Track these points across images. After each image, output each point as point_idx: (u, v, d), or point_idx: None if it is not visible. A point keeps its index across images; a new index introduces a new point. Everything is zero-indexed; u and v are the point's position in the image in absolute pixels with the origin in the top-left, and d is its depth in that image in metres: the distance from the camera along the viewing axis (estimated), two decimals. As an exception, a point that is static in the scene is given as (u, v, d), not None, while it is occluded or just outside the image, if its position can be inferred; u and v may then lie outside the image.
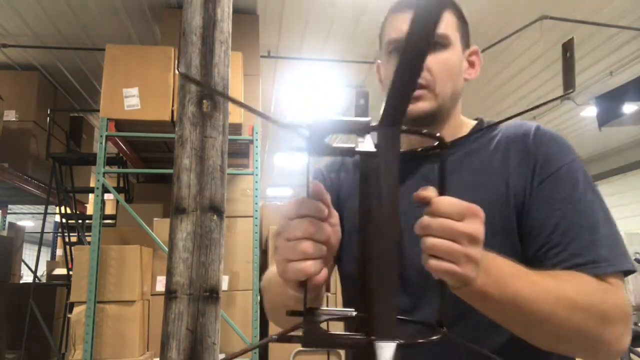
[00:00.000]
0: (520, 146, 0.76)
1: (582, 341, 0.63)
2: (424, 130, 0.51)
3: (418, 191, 0.51)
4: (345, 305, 0.83)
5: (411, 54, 0.35)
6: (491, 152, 0.77)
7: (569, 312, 0.60)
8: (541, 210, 0.70)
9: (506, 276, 0.58)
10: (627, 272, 0.68)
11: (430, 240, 0.50)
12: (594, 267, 0.66)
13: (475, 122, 0.86)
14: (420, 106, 0.76)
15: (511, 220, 0.73)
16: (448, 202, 0.50)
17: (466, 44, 0.83)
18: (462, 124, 0.84)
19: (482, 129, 0.82)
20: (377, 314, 0.41)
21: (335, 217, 0.53)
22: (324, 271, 0.51)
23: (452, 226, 0.50)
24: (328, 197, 0.51)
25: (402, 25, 0.78)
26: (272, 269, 0.76)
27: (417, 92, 0.76)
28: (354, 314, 0.50)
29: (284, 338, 0.46)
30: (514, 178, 0.74)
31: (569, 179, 0.72)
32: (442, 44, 0.77)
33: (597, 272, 0.65)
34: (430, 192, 0.51)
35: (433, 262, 0.50)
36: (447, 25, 0.79)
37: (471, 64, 0.83)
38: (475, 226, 0.51)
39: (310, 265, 0.49)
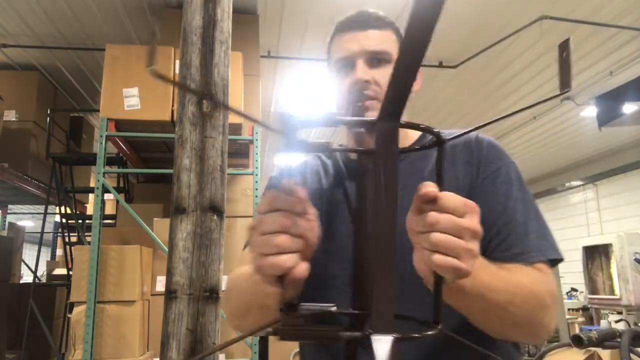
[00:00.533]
0: (464, 149, 0.84)
1: (529, 326, 0.68)
2: (422, 125, 0.51)
3: (420, 187, 0.52)
4: (310, 300, 0.84)
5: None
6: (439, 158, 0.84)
7: (522, 300, 0.66)
8: (484, 204, 0.70)
9: (477, 269, 0.59)
10: (555, 261, 0.76)
11: (437, 236, 0.50)
12: (527, 256, 0.73)
13: (419, 132, 0.91)
14: (371, 116, 0.80)
15: None
16: (454, 198, 0.52)
17: None
18: (406, 132, 0.89)
19: (426, 140, 0.89)
20: (376, 310, 0.41)
21: (312, 213, 0.54)
22: (304, 266, 0.51)
23: (458, 222, 0.51)
24: (303, 193, 0.52)
25: (348, 44, 0.85)
26: (240, 270, 0.77)
27: (367, 103, 0.82)
28: (334, 309, 0.51)
29: (262, 331, 0.46)
30: (462, 175, 0.82)
31: (506, 179, 0.81)
32: (386, 59, 0.84)
33: (529, 261, 0.73)
34: (432, 188, 0.52)
35: (438, 257, 0.50)
36: (389, 42, 0.85)
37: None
38: (476, 222, 0.53)
39: (286, 259, 0.49)
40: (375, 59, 0.84)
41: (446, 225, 0.50)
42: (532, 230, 0.76)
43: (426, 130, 0.51)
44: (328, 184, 0.91)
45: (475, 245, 0.52)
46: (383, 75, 0.83)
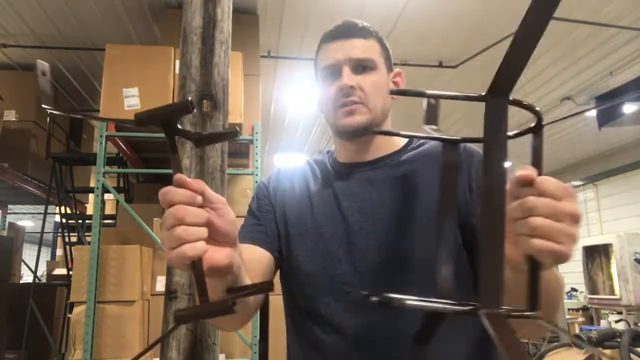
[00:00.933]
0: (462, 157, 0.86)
1: (556, 310, 0.72)
2: (525, 103, 0.54)
3: (519, 172, 0.54)
4: (301, 299, 0.90)
5: (535, 17, 0.34)
6: (425, 162, 0.88)
7: (559, 285, 0.68)
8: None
9: None
10: None
11: (537, 220, 0.51)
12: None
13: (405, 140, 0.95)
14: (357, 119, 0.87)
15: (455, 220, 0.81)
16: (554, 182, 0.52)
17: (390, 67, 0.94)
18: (391, 139, 0.93)
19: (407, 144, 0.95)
20: (484, 285, 0.43)
21: (218, 201, 0.55)
22: (222, 252, 0.54)
23: (558, 206, 0.51)
24: (199, 184, 0.52)
25: (334, 53, 0.89)
26: None
27: (353, 107, 0.86)
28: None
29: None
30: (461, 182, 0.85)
31: None
32: (370, 67, 0.88)
33: None
34: (530, 172, 0.53)
35: (538, 242, 0.50)
36: (373, 51, 0.90)
37: (396, 84, 0.94)
38: (576, 205, 0.53)
39: (188, 249, 0.50)
40: (360, 66, 0.87)
41: (546, 210, 0.51)
42: None
43: (529, 108, 0.54)
44: (316, 187, 0.94)
45: (575, 230, 0.52)
46: (368, 81, 0.87)
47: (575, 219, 0.52)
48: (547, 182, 0.52)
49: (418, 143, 0.92)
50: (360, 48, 0.88)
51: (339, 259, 0.85)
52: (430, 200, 0.81)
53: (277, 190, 0.98)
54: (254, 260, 0.85)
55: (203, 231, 0.51)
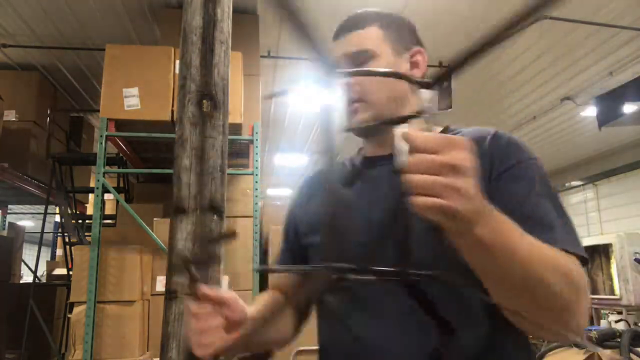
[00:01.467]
0: (477, 147, 0.74)
1: (561, 310, 0.60)
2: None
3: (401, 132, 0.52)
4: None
5: None
6: None
7: (558, 278, 0.58)
8: (499, 203, 0.64)
9: (506, 229, 0.56)
10: (583, 260, 0.67)
11: (412, 177, 0.48)
12: (558, 244, 0.65)
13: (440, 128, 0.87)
14: (359, 117, 0.82)
15: None
16: (422, 137, 0.50)
17: (404, 48, 0.85)
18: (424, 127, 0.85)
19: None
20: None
21: (230, 299, 0.70)
22: (231, 339, 0.69)
23: (435, 159, 0.48)
24: (217, 295, 0.70)
25: (333, 52, 0.87)
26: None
27: (355, 106, 0.82)
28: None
29: None
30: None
31: (526, 175, 0.73)
32: (367, 57, 0.83)
33: (560, 247, 0.65)
34: (409, 131, 0.51)
35: (417, 199, 0.48)
36: (371, 39, 0.84)
37: (414, 65, 0.86)
38: (457, 156, 0.49)
39: (203, 354, 0.68)
40: (357, 60, 0.83)
41: (421, 166, 0.48)
42: (559, 225, 0.69)
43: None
44: (337, 185, 0.91)
45: (460, 181, 0.48)
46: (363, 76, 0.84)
47: (457, 169, 0.48)
48: (421, 137, 0.49)
49: (454, 131, 0.84)
50: (356, 40, 0.84)
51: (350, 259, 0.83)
52: None
53: (298, 199, 0.97)
54: (291, 285, 0.92)
55: (217, 337, 0.68)
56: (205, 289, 0.68)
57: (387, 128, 0.80)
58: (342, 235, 0.83)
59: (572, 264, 0.63)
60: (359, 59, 0.83)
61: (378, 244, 0.78)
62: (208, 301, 0.68)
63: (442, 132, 0.84)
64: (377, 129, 0.83)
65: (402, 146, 0.50)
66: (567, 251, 0.65)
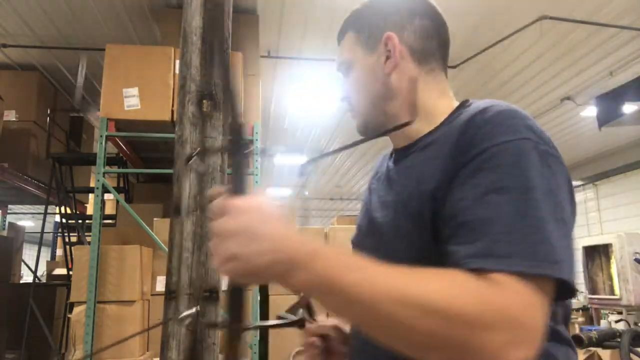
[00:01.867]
0: (459, 130, 0.67)
1: (445, 348, 0.52)
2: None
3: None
4: None
5: None
6: (442, 143, 0.69)
7: (411, 311, 0.51)
8: (452, 199, 0.61)
9: (337, 269, 0.53)
10: (544, 277, 0.54)
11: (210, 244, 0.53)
12: (468, 262, 0.55)
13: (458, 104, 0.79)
14: (356, 124, 0.85)
15: (422, 213, 0.66)
16: (215, 203, 0.53)
17: (375, 40, 0.81)
18: (434, 115, 0.77)
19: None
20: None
21: (330, 333, 0.83)
22: None
23: (214, 226, 0.52)
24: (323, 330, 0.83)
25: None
26: None
27: (351, 115, 0.85)
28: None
29: None
30: (439, 167, 0.66)
31: (487, 167, 0.60)
32: (348, 67, 0.84)
33: (478, 267, 0.54)
34: (214, 192, 0.55)
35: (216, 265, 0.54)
36: (346, 50, 0.85)
37: (389, 54, 0.79)
38: (220, 222, 0.52)
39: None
40: (344, 71, 0.86)
41: (213, 232, 0.52)
42: (510, 230, 0.55)
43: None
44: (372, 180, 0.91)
45: (221, 246, 0.51)
46: (349, 84, 0.85)
47: (221, 234, 0.52)
48: (214, 205, 0.53)
49: (458, 113, 0.73)
50: (339, 53, 0.86)
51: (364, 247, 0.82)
52: (409, 191, 0.70)
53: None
54: None
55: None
56: (314, 327, 0.80)
57: (382, 126, 0.80)
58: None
59: (469, 294, 0.52)
60: (343, 71, 0.85)
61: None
62: (315, 335, 0.81)
63: (459, 106, 0.76)
64: (375, 134, 0.81)
65: None
66: (481, 269, 0.54)
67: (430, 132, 0.75)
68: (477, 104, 0.70)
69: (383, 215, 0.76)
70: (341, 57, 0.85)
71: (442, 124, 0.74)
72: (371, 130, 0.82)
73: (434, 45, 0.80)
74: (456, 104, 0.78)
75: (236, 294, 0.56)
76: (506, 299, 0.52)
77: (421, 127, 0.77)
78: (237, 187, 0.53)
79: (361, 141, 0.79)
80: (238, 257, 0.51)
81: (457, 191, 0.61)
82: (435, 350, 0.52)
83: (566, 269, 0.55)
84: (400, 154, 0.80)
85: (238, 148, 0.56)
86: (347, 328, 0.82)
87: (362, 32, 0.83)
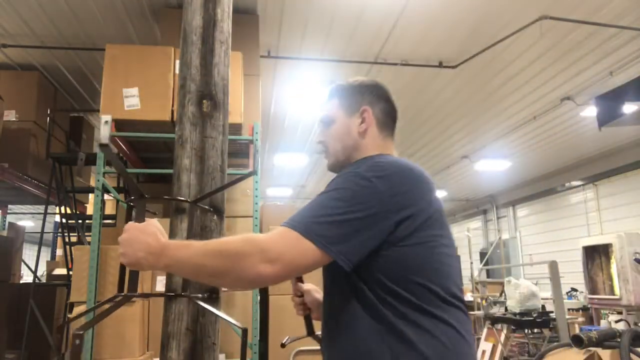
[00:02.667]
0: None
1: (226, 274, 0.92)
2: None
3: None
4: None
5: None
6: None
7: (210, 259, 0.92)
8: None
9: (177, 251, 0.94)
10: (300, 231, 0.92)
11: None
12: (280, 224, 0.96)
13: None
14: (327, 162, 1.21)
15: None
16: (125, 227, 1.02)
17: (354, 109, 1.16)
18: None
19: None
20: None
21: (305, 291, 1.29)
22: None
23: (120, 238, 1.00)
24: (302, 291, 1.29)
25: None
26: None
27: (324, 155, 1.20)
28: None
29: None
30: None
31: (327, 187, 1.00)
32: (328, 122, 1.19)
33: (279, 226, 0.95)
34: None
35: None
36: (333, 109, 1.19)
37: (362, 120, 1.15)
38: (122, 236, 0.99)
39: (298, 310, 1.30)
40: (326, 123, 1.19)
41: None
42: (296, 212, 0.97)
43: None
44: None
45: (120, 247, 0.97)
46: (328, 133, 1.18)
47: (121, 241, 0.99)
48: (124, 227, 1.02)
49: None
50: (325, 109, 1.21)
51: None
52: None
53: None
54: None
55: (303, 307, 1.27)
56: (296, 287, 1.26)
57: (344, 166, 1.14)
58: None
59: (238, 242, 0.92)
60: (326, 123, 1.19)
61: None
62: (297, 292, 1.26)
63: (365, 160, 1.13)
64: (338, 169, 1.17)
65: None
66: (277, 227, 0.95)
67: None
68: (372, 157, 1.08)
69: None
70: (327, 112, 1.19)
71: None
72: (338, 167, 1.16)
73: (390, 120, 1.18)
74: (379, 154, 1.14)
75: (133, 273, 1.11)
76: (266, 238, 0.92)
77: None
78: (136, 217, 0.98)
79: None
80: (127, 254, 0.97)
81: None
82: (224, 276, 0.93)
83: (311, 233, 0.91)
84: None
85: (138, 204, 1.07)
86: (318, 295, 1.25)
87: (346, 101, 1.17)
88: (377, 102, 1.16)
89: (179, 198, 1.11)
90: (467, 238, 7.14)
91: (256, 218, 2.98)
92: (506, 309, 4.80)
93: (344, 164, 1.14)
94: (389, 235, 0.93)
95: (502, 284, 5.86)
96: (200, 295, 1.10)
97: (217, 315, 1.15)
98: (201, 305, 1.11)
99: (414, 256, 0.95)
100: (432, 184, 1.04)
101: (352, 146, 1.14)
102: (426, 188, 1.00)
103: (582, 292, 6.72)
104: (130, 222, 1.00)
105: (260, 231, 3.17)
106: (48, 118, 4.27)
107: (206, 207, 1.16)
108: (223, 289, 1.13)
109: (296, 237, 0.90)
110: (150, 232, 0.96)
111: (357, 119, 1.15)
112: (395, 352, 0.91)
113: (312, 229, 0.90)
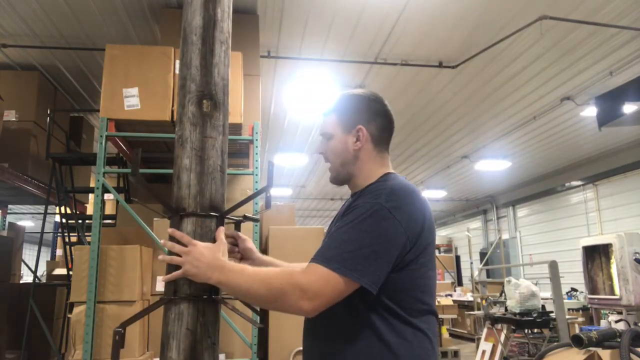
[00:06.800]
0: (361, 192, 1.20)
1: (271, 304, 1.06)
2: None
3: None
4: None
5: None
6: (357, 197, 1.18)
7: (257, 289, 1.04)
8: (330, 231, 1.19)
9: (231, 274, 1.06)
10: (329, 267, 1.02)
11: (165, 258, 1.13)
12: (313, 259, 1.05)
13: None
14: (330, 175, 1.30)
15: None
16: (173, 233, 1.14)
17: (350, 127, 1.24)
18: (370, 177, 1.22)
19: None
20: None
21: (239, 237, 1.39)
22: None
23: (175, 247, 1.11)
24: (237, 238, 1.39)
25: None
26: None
27: (329, 168, 1.29)
28: None
29: None
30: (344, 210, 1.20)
31: (350, 213, 1.10)
32: (328, 137, 1.27)
33: (311, 261, 1.05)
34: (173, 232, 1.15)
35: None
36: (332, 125, 1.26)
37: (357, 138, 1.22)
38: (185, 251, 1.10)
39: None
40: (326, 137, 1.27)
41: (171, 249, 1.12)
42: (325, 245, 1.07)
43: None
44: None
45: (183, 261, 1.08)
46: (328, 148, 1.27)
47: (184, 254, 1.10)
48: (173, 233, 1.13)
49: (376, 182, 1.20)
50: (324, 124, 1.29)
51: None
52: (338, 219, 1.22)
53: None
54: None
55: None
56: (228, 232, 1.30)
57: (347, 180, 1.27)
58: None
59: (285, 274, 1.05)
60: (326, 137, 1.28)
61: None
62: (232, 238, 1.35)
63: (379, 178, 1.21)
64: (339, 183, 1.29)
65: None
66: (311, 263, 1.05)
67: (363, 189, 1.19)
68: (385, 182, 1.16)
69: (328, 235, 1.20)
70: (326, 128, 1.27)
71: (368, 185, 1.19)
72: (339, 181, 1.28)
73: (386, 135, 1.25)
74: (385, 174, 1.22)
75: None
76: (305, 278, 1.02)
77: (363, 183, 1.21)
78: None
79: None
80: (189, 270, 1.08)
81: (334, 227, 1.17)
82: (269, 305, 1.08)
83: (343, 268, 1.02)
84: (352, 198, 1.22)
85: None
86: (249, 244, 1.39)
87: (343, 118, 1.25)
88: (373, 119, 1.23)
89: (219, 215, 1.18)
90: (467, 238, 7.14)
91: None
92: (506, 309, 4.80)
93: (345, 177, 1.26)
94: (399, 260, 1.05)
95: (502, 284, 5.87)
96: (204, 295, 1.10)
97: (217, 316, 1.15)
98: (203, 306, 1.11)
99: (415, 277, 1.08)
100: (426, 201, 1.17)
101: (350, 161, 1.24)
102: (426, 210, 1.13)
103: (582, 292, 6.72)
104: (202, 243, 1.10)
105: (260, 231, 3.18)
106: (48, 118, 4.27)
107: (208, 213, 1.16)
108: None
109: (332, 275, 1.01)
110: (220, 249, 1.11)
111: (352, 136, 1.23)
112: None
113: (345, 265, 1.01)
